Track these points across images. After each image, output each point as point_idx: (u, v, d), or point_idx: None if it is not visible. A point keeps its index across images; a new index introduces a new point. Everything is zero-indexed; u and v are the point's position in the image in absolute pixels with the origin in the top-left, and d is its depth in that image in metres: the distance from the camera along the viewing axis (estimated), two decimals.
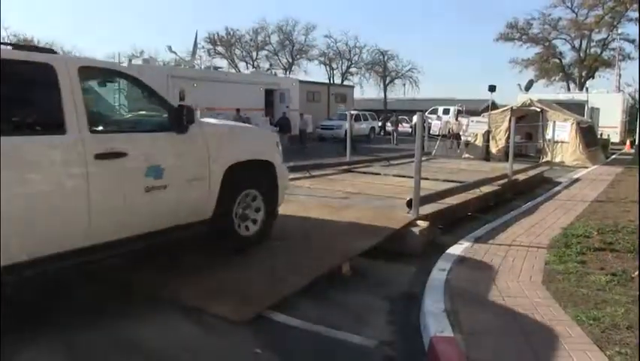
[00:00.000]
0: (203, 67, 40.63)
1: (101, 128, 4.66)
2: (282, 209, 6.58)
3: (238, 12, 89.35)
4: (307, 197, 8.69)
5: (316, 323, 4.43)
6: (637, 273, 5.44)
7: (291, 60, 58.71)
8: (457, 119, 26.27)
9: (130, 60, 29.10)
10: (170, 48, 32.02)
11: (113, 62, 5.05)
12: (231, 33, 56.74)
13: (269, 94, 28.28)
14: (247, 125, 6.85)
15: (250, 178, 5.94)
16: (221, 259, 5.66)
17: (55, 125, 4.20)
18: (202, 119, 5.58)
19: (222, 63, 54.20)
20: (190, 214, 5.28)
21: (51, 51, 4.77)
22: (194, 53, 33.87)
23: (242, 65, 57.21)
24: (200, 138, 5.31)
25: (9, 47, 4.38)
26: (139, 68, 21.14)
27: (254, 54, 58.51)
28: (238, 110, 23.70)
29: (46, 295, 4.80)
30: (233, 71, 48.79)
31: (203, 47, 53.84)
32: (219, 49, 57.33)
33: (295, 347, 4.06)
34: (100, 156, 4.35)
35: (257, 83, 27.90)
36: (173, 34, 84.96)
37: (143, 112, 5.49)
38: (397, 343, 4.16)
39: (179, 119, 5.03)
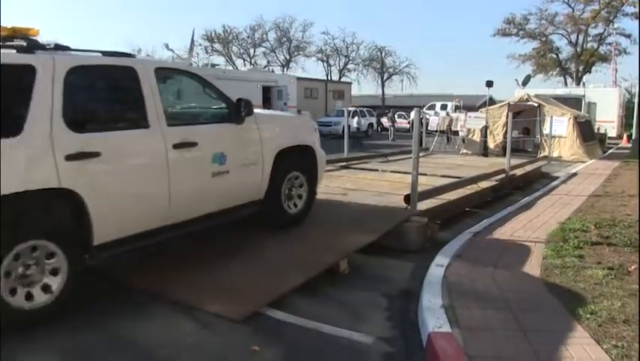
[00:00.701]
0: (200, 64, 40.56)
1: (175, 121, 5.21)
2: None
3: (235, 9, 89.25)
4: None
5: (314, 320, 4.44)
6: (634, 267, 5.46)
7: (288, 57, 58.73)
8: (447, 114, 26.35)
9: None
10: (167, 46, 32.15)
11: (178, 63, 5.43)
12: (228, 30, 56.74)
13: (266, 91, 28.29)
14: (290, 114, 7.33)
15: (295, 161, 6.55)
16: (217, 256, 5.66)
17: (140, 120, 4.82)
18: (256, 110, 6.09)
19: (220, 60, 54.06)
20: (247, 195, 5.98)
21: (131, 55, 5.41)
22: (191, 50, 33.77)
23: (239, 62, 57.29)
24: (254, 127, 5.97)
25: (99, 54, 4.91)
26: None
27: (251, 51, 58.56)
28: None
29: None
30: (230, 68, 48.73)
31: (200, 45, 53.83)
32: (217, 46, 57.30)
33: (293, 344, 4.07)
34: (177, 146, 5.00)
35: (254, 80, 27.89)
36: (170, 31, 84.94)
37: (206, 106, 6.06)
38: (395, 339, 4.18)
39: (238, 112, 5.69)
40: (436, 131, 24.89)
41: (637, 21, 25.69)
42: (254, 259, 5.62)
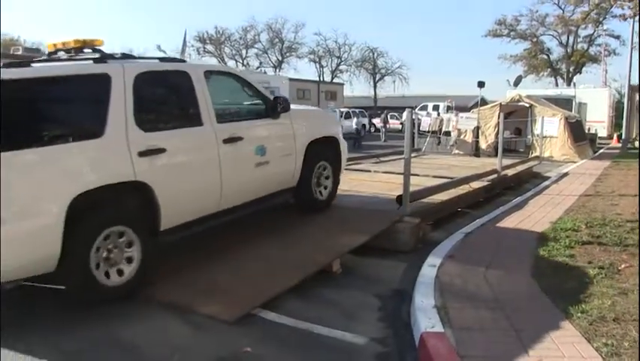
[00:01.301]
0: None
1: (223, 118, 5.77)
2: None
3: (227, 10, 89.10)
4: None
5: (307, 321, 4.44)
6: (624, 266, 5.51)
7: (280, 58, 58.74)
8: (438, 115, 26.45)
9: None
10: (159, 47, 32.01)
11: (223, 65, 6.37)
12: (221, 31, 56.73)
13: None
14: (317, 108, 8.11)
15: (322, 152, 7.12)
16: (210, 257, 5.65)
17: (195, 119, 5.41)
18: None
19: (212, 62, 54.01)
20: (283, 183, 6.62)
21: (182, 60, 6.22)
22: (183, 51, 33.59)
23: (231, 63, 57.14)
24: (287, 121, 6.56)
25: (156, 61, 5.57)
26: None
27: (243, 52, 58.56)
28: None
29: (36, 294, 4.77)
30: None
31: (192, 46, 53.82)
32: (209, 47, 57.27)
33: (286, 345, 4.07)
34: (226, 141, 5.63)
35: None
36: (162, 32, 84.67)
37: (246, 102, 6.54)
38: (388, 339, 4.19)
39: (275, 108, 6.32)
40: (428, 131, 24.95)
41: (625, 22, 25.88)
42: (246, 261, 5.62)
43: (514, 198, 10.45)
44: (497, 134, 16.84)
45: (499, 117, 15.57)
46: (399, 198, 7.16)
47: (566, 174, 14.69)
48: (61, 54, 5.23)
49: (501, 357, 3.55)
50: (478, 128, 20.51)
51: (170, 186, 4.97)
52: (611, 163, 17.98)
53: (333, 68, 60.80)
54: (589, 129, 26.99)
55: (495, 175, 11.63)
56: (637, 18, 21.06)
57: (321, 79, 56.74)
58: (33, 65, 4.64)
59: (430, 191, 8.46)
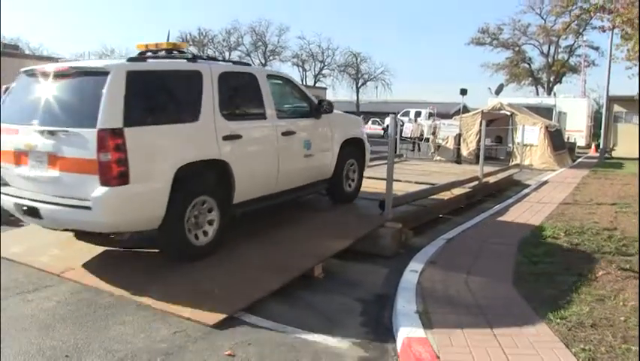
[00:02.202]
0: None
1: (281, 115, 6.83)
2: (253, 211, 6.98)
3: (211, 12, 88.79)
4: None
5: (289, 325, 4.45)
6: (601, 273, 5.59)
7: (263, 61, 58.59)
8: (416, 121, 26.62)
9: (100, 59, 28.65)
10: None
11: (278, 70, 7.93)
12: (204, 33, 56.57)
13: None
14: (348, 114, 9.33)
15: (352, 151, 8.10)
16: (191, 261, 5.63)
17: (261, 113, 6.47)
18: None
19: None
20: (322, 174, 7.56)
21: (247, 64, 7.57)
22: None
23: None
24: (327, 122, 7.55)
25: (230, 63, 7.00)
26: None
27: (227, 54, 58.23)
28: None
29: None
30: None
31: None
32: (192, 49, 56.87)
33: (268, 349, 4.06)
34: (284, 134, 6.69)
35: None
36: (144, 34, 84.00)
37: (296, 103, 7.54)
38: (370, 344, 4.20)
39: (318, 110, 7.36)
40: (410, 137, 25.09)
41: (605, 34, 26.39)
42: (229, 264, 5.60)
43: (495, 205, 10.55)
44: (479, 141, 17.02)
45: (480, 125, 15.72)
46: (382, 204, 7.20)
47: (545, 182, 14.86)
48: (149, 54, 6.20)
49: None
50: (459, 135, 20.68)
51: (242, 166, 5.95)
52: (589, 172, 18.23)
53: (316, 72, 60.97)
54: (568, 138, 27.35)
55: (476, 182, 11.73)
56: (615, 30, 21.41)
57: (304, 83, 56.78)
58: (148, 61, 5.81)
59: (413, 197, 8.51)
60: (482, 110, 21.79)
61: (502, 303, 4.72)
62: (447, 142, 21.31)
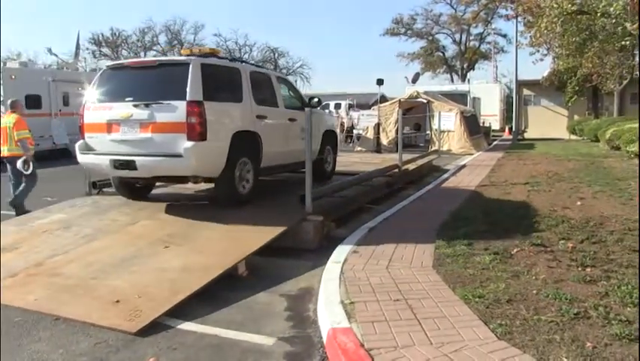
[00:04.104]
0: (88, 69, 38.60)
1: (286, 106, 9.14)
2: (169, 211, 7.33)
3: (123, 11, 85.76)
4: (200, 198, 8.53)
5: (214, 326, 4.39)
6: (516, 250, 5.82)
7: None
8: (347, 114, 26.83)
9: (4, 63, 27.09)
10: (50, 50, 30.04)
11: (283, 74, 9.97)
12: (117, 33, 54.58)
13: None
14: (325, 112, 12.47)
15: (328, 139, 10.52)
16: (110, 266, 5.43)
17: (275, 103, 8.76)
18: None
19: None
20: (312, 154, 8.21)
21: (261, 66, 11.62)
22: (76, 54, 32.15)
23: None
24: (314, 115, 8.47)
25: (253, 65, 9.78)
26: (17, 72, 19.77)
27: (142, 55, 56.52)
28: None
29: None
30: None
31: (87, 49, 51.42)
32: (105, 50, 54.86)
33: (194, 352, 3.96)
34: (289, 120, 9.03)
35: None
36: (53, 35, 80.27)
37: (293, 99, 9.78)
38: (296, 338, 4.19)
39: (308, 105, 9.17)
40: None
41: (510, 22, 27.64)
42: (149, 268, 5.45)
43: (416, 191, 10.79)
44: (397, 130, 17.33)
45: (398, 114, 16.04)
46: (302, 197, 7.18)
47: (463, 167, 15.38)
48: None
49: (406, 347, 3.62)
50: (378, 124, 21.03)
51: (267, 139, 7.79)
52: (504, 154, 19.04)
53: None
54: (483, 123, 28.44)
55: (396, 170, 11.95)
56: (519, 18, 22.43)
57: None
58: (215, 57, 8.01)
59: (333, 189, 8.56)
60: (400, 100, 22.26)
61: (423, 287, 4.81)
62: (367, 132, 21.61)
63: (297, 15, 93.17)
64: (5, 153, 9.10)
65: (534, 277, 4.93)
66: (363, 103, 34.74)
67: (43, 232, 6.83)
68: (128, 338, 4.15)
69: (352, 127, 24.98)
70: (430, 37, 55.23)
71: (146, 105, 6.88)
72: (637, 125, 16.11)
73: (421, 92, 22.57)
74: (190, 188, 9.09)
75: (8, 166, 9.19)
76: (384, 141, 21.02)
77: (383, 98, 23.05)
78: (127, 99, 7.06)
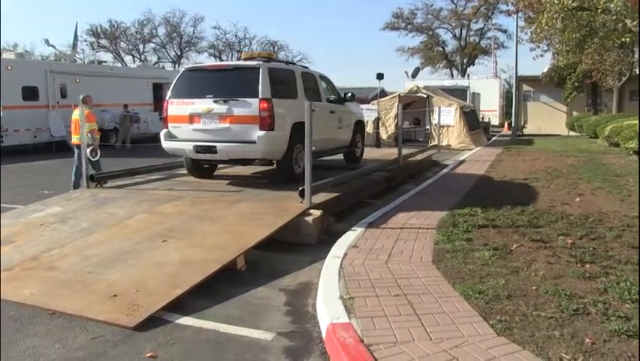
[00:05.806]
0: (86, 61, 38.44)
1: (327, 100, 10.70)
2: (167, 205, 7.13)
3: (122, 3, 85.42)
4: (198, 192, 8.53)
5: (213, 321, 4.37)
6: (515, 246, 5.81)
7: (179, 53, 57.23)
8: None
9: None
10: (47, 41, 29.70)
11: (324, 74, 11.51)
12: (115, 25, 54.25)
13: (157, 88, 27.24)
14: (355, 103, 12.96)
15: (359, 128, 12.34)
16: (109, 261, 5.40)
17: (319, 98, 10.12)
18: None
19: (107, 57, 51.49)
20: (344, 142, 11.52)
21: (307, 68, 12.27)
22: (74, 46, 31.89)
23: (128, 58, 54.96)
24: (347, 108, 11.55)
25: (299, 66, 11.18)
26: (13, 63, 19.69)
27: (140, 47, 56.39)
28: (126, 105, 22.78)
29: None
30: (119, 65, 46.68)
31: (85, 40, 51.17)
32: (103, 42, 54.60)
33: (192, 347, 3.95)
34: (330, 112, 10.51)
35: (144, 77, 26.83)
36: (49, 26, 79.89)
37: (331, 94, 11.26)
38: (295, 333, 4.17)
39: (344, 99, 11.39)
40: None
41: (511, 18, 27.62)
42: (148, 263, 5.43)
43: (415, 186, 10.78)
44: (397, 124, 17.30)
45: (398, 108, 16.00)
46: (301, 192, 7.15)
47: (462, 162, 15.37)
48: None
49: (405, 343, 3.61)
50: (378, 119, 20.99)
51: (316, 128, 7.74)
52: (503, 150, 19.01)
53: None
54: (482, 118, 28.42)
55: (396, 165, 11.92)
56: (520, 14, 22.37)
57: None
58: (271, 61, 9.49)
59: (333, 183, 8.53)
60: (399, 94, 22.21)
61: (423, 282, 4.80)
62: (366, 126, 21.57)
63: (297, 8, 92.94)
64: (76, 141, 10.54)
65: (533, 273, 4.92)
66: (362, 97, 34.62)
67: (39, 225, 6.81)
68: (126, 332, 4.13)
69: None
70: (430, 32, 55.10)
71: (225, 101, 8.45)
72: (636, 121, 16.13)
73: (420, 86, 22.53)
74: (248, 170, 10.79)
75: (75, 151, 10.57)
76: (383, 135, 20.98)
77: (383, 93, 22.97)
78: (207, 96, 8.55)
